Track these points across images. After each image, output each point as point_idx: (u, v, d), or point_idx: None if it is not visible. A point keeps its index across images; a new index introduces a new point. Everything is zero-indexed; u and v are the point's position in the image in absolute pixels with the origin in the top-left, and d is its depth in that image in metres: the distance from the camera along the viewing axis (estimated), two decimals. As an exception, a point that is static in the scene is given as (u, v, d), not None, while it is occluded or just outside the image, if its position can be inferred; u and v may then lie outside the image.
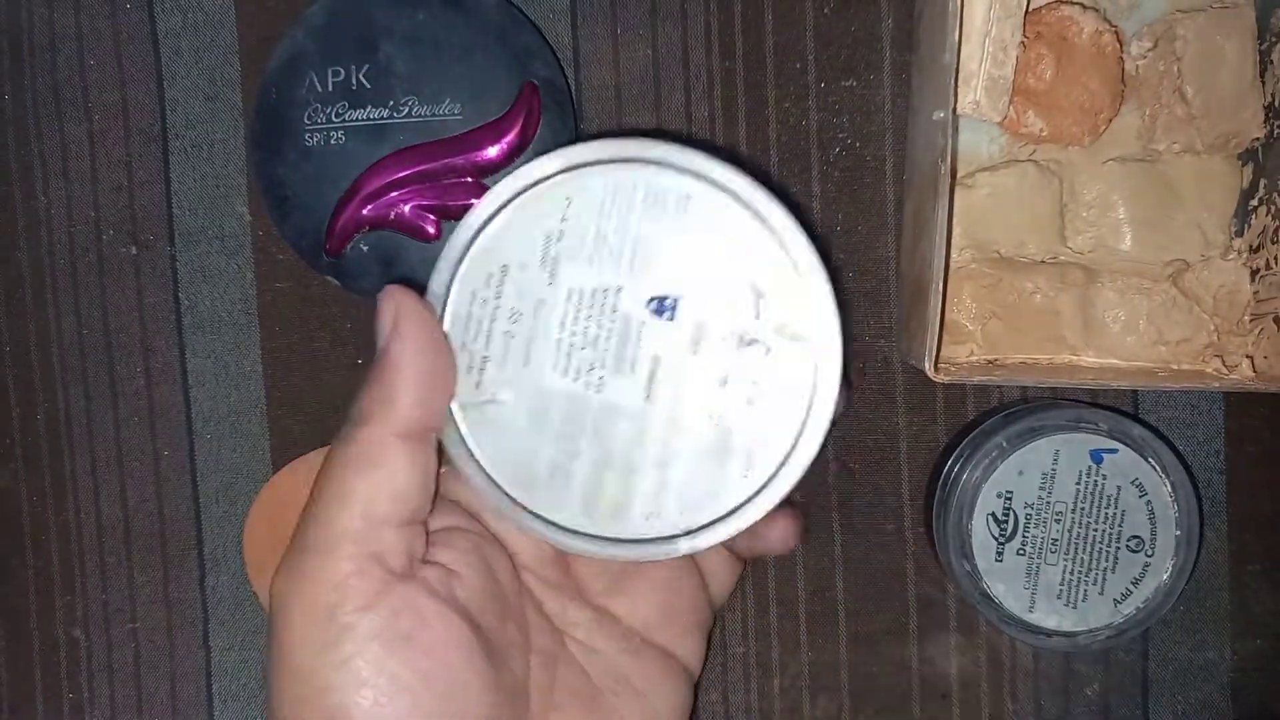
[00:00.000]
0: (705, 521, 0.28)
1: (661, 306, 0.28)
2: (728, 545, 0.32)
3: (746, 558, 0.34)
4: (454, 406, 0.28)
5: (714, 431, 0.28)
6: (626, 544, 0.29)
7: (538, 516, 0.29)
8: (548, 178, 0.28)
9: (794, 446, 0.28)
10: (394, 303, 0.27)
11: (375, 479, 0.27)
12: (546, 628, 0.31)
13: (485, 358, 0.28)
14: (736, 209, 0.28)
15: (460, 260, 0.28)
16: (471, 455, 0.29)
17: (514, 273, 0.28)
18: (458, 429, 0.28)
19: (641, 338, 0.28)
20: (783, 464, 0.28)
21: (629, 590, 0.33)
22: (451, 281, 0.28)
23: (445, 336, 0.28)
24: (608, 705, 0.31)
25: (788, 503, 0.30)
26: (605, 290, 0.28)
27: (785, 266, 0.28)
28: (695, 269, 0.28)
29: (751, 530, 0.31)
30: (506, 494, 0.29)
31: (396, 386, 0.27)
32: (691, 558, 0.34)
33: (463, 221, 0.28)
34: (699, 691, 0.41)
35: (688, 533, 0.28)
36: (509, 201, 0.28)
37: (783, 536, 0.33)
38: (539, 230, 0.28)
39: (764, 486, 0.28)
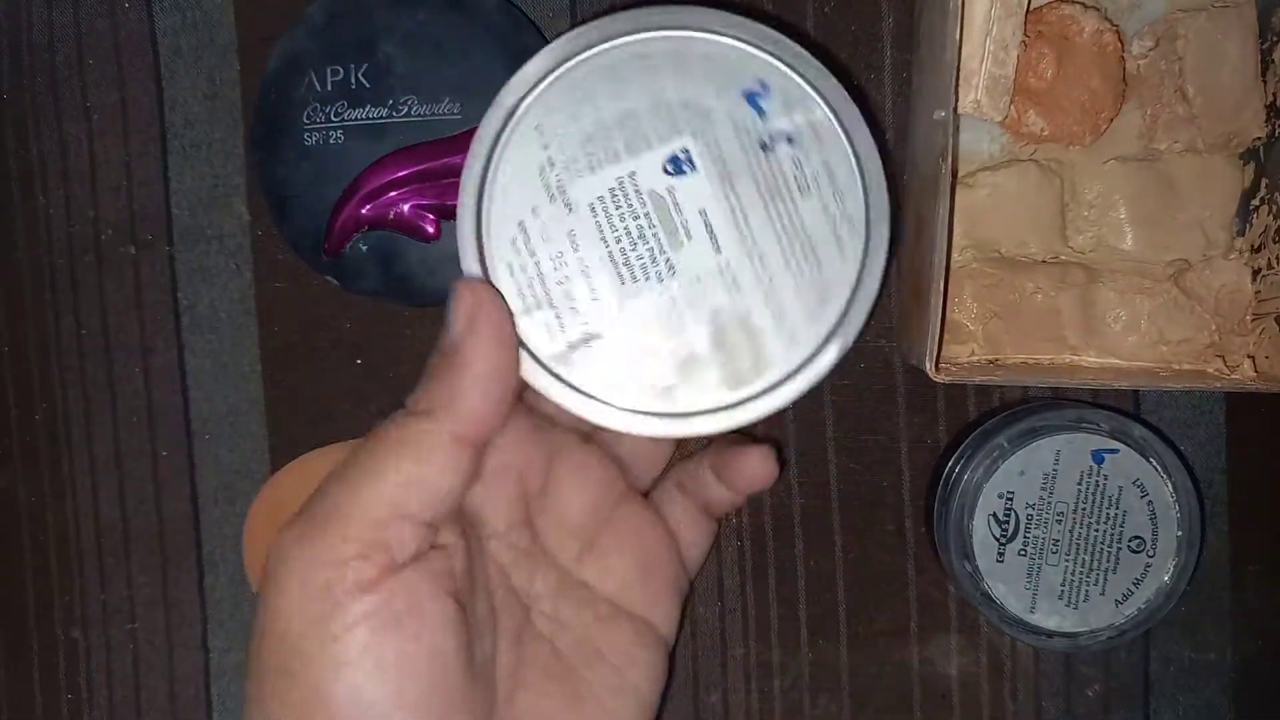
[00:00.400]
0: (835, 319, 0.28)
1: (678, 164, 0.28)
2: (722, 477, 0.33)
3: (740, 497, 0.34)
4: (557, 369, 0.28)
5: (794, 237, 0.28)
6: (785, 385, 0.28)
7: (690, 415, 0.28)
8: (507, 121, 0.28)
9: (867, 207, 0.28)
10: (473, 297, 0.27)
11: (416, 474, 0.26)
12: (513, 603, 0.30)
13: (556, 315, 0.28)
14: (698, 38, 0.28)
15: (479, 241, 0.28)
16: (595, 399, 0.28)
17: (531, 224, 0.28)
18: (568, 385, 0.28)
19: (678, 202, 0.28)
20: (867, 231, 0.28)
21: (601, 553, 0.32)
22: (484, 266, 0.28)
23: (516, 333, 0.28)
24: (579, 680, 0.31)
25: (753, 438, 0.29)
26: (619, 180, 0.28)
27: (769, 63, 0.28)
28: (686, 114, 0.28)
29: (734, 460, 0.32)
30: (651, 413, 0.28)
31: (464, 387, 0.27)
32: (664, 519, 0.33)
33: (460, 206, 0.28)
34: (700, 692, 0.41)
35: (828, 339, 0.28)
36: (488, 165, 0.28)
37: (762, 465, 0.33)
38: (531, 170, 0.28)
39: (865, 258, 0.28)
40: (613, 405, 0.28)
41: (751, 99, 0.28)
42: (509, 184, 0.28)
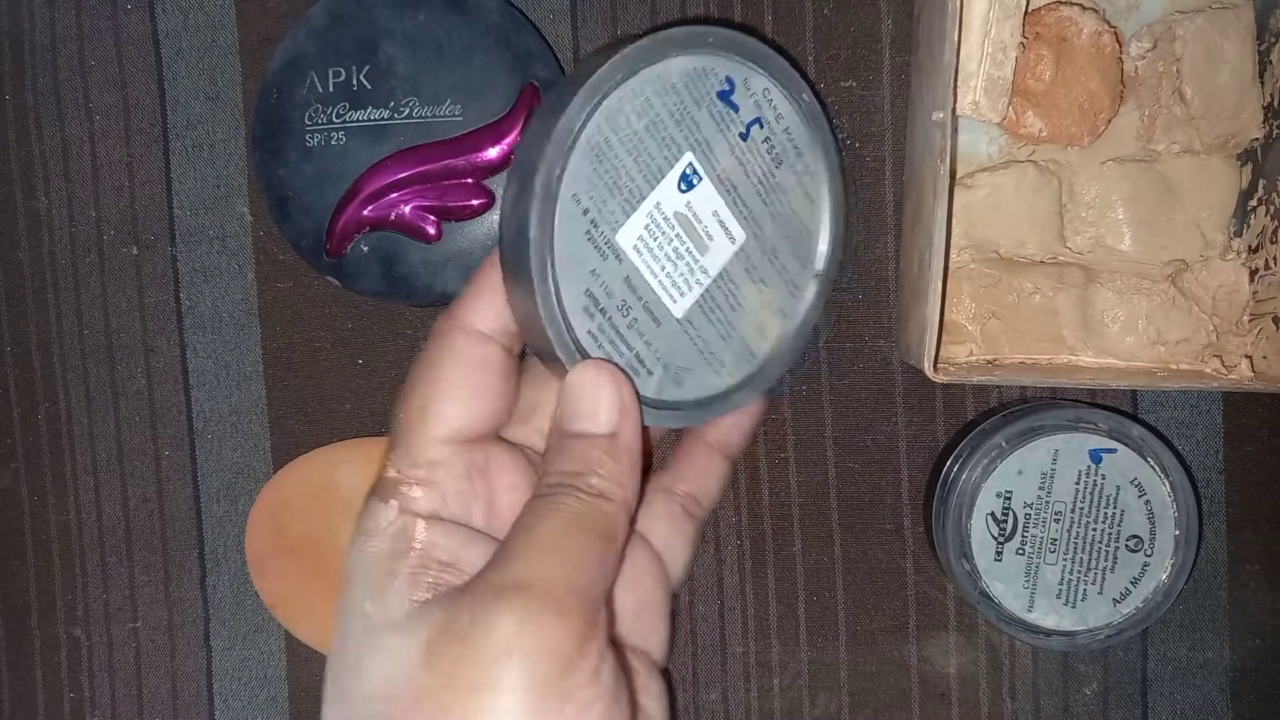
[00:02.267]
0: (821, 258, 0.32)
1: (689, 181, 0.30)
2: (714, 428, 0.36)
3: (737, 444, 0.36)
4: (657, 401, 0.31)
5: (778, 205, 0.32)
6: (801, 328, 0.33)
7: (741, 384, 0.32)
8: (553, 201, 0.29)
9: (821, 149, 0.32)
10: (620, 387, 0.29)
11: (611, 555, 0.29)
12: None
13: (638, 356, 0.30)
14: (672, 61, 0.30)
15: (566, 323, 0.29)
16: (693, 406, 0.31)
17: (595, 287, 0.29)
18: (670, 409, 0.31)
19: (697, 214, 0.31)
20: (822, 169, 0.32)
21: None
22: (577, 345, 0.30)
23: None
24: None
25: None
26: (650, 214, 0.30)
27: (728, 59, 0.30)
28: (680, 131, 0.30)
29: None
30: (726, 392, 0.32)
31: (629, 471, 0.29)
32: (650, 545, 0.35)
33: (539, 301, 0.29)
34: (700, 690, 0.41)
35: (817, 277, 0.33)
36: (551, 250, 0.29)
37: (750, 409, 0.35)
38: (579, 238, 0.29)
39: (825, 196, 0.32)
40: (711, 404, 0.31)
41: (724, 97, 0.30)
42: (567, 260, 0.29)
